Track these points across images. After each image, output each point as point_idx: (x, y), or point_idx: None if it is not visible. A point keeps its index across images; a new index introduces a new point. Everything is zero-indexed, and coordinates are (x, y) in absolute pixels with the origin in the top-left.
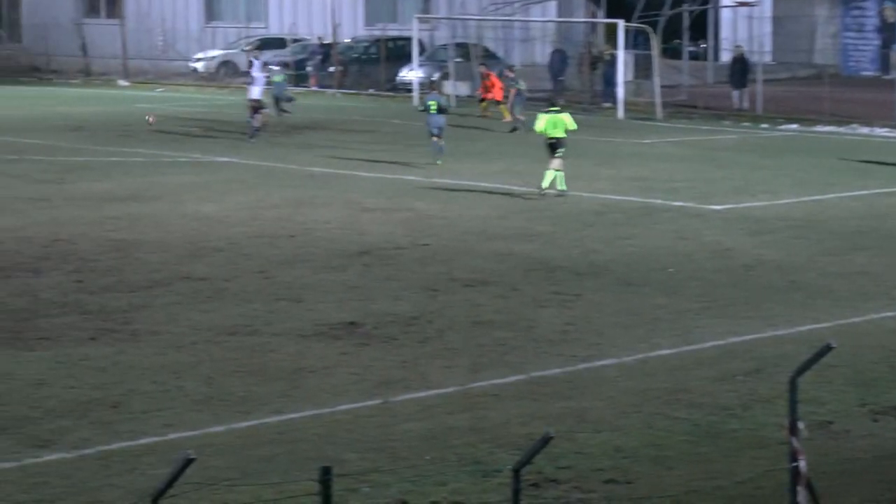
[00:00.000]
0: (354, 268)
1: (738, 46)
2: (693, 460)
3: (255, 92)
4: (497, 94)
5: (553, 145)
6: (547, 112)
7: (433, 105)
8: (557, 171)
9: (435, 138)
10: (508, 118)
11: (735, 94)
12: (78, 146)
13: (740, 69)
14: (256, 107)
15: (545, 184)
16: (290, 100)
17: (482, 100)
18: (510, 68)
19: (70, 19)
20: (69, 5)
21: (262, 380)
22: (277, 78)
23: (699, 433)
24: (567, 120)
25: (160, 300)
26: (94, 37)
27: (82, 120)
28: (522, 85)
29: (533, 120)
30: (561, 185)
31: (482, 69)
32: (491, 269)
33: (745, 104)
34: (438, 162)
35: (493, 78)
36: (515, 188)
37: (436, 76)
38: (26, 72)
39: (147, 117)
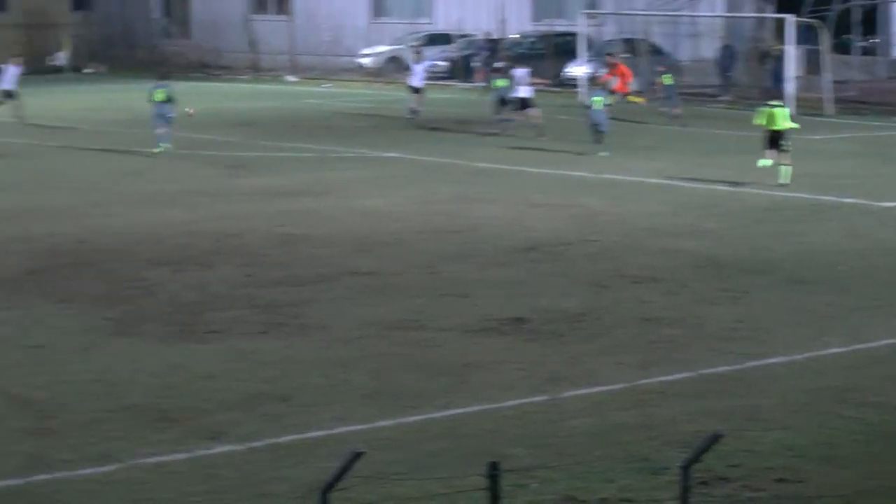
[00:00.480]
0: (521, 264)
1: None
2: (865, 460)
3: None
4: (622, 86)
5: (776, 139)
6: (771, 107)
7: (597, 101)
8: (786, 164)
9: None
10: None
11: None
12: (248, 141)
13: None
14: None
15: (782, 179)
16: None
17: (612, 92)
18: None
19: (239, 15)
20: (238, 1)
21: (428, 374)
22: (500, 83)
23: (871, 432)
24: (787, 115)
25: (327, 294)
26: (262, 33)
27: (252, 115)
28: (669, 80)
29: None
30: (786, 178)
31: (608, 58)
32: (659, 265)
33: None
34: (603, 154)
35: (622, 67)
36: (685, 184)
37: (600, 71)
38: (196, 68)
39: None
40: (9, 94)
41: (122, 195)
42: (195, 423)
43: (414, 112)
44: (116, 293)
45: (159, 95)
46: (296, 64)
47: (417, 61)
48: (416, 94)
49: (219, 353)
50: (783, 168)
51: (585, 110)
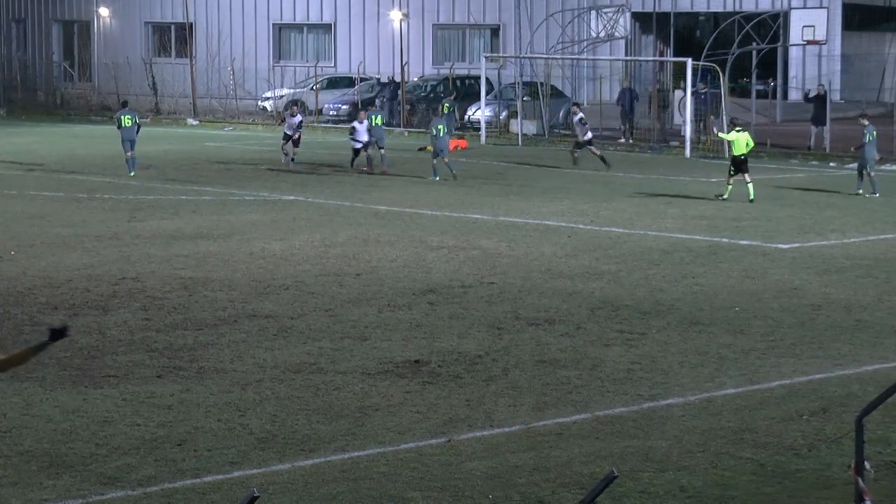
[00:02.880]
0: (420, 306)
1: (820, 85)
2: (759, 500)
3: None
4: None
5: (742, 163)
6: (738, 131)
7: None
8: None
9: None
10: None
11: (814, 131)
12: (147, 185)
13: (821, 108)
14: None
15: (752, 196)
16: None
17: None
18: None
19: (140, 58)
20: (140, 44)
21: (326, 418)
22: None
23: (765, 473)
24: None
25: (226, 338)
26: (164, 75)
27: (151, 158)
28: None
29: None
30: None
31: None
32: (556, 307)
33: (822, 143)
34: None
35: None
36: (582, 226)
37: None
38: (97, 110)
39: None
40: None
41: (21, 239)
42: (89, 469)
43: (287, 156)
44: (12, 337)
45: (127, 121)
46: (197, 107)
47: (294, 114)
48: (288, 142)
49: (115, 398)
50: (751, 186)
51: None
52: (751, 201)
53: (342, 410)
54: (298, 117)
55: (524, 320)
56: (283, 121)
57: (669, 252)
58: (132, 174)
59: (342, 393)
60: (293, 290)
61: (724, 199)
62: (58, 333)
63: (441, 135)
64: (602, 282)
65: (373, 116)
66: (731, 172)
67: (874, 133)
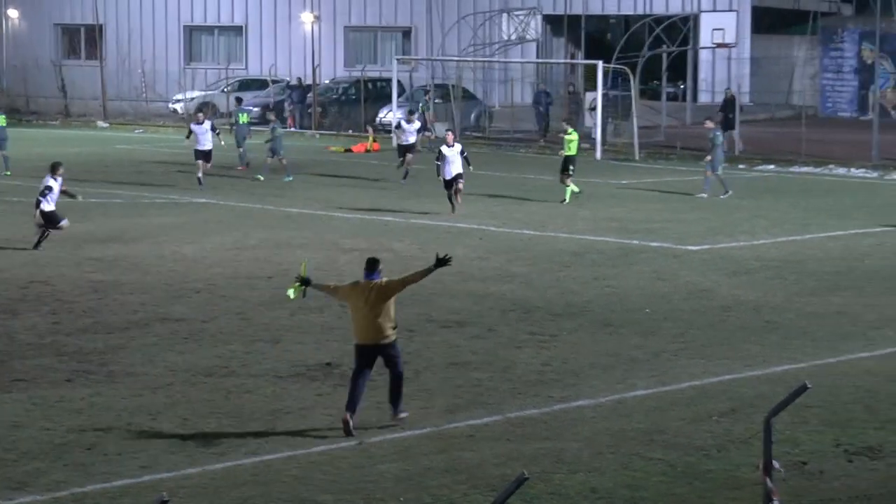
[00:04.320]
0: (332, 309)
1: (727, 89)
2: (669, 501)
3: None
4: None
5: (571, 163)
6: (569, 134)
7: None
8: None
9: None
10: None
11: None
12: None
13: (730, 111)
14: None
15: (568, 198)
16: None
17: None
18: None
19: (50, 60)
20: (49, 46)
21: (238, 421)
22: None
23: (675, 474)
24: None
25: (137, 341)
26: (74, 78)
27: (62, 161)
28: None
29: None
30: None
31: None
32: (468, 309)
33: (737, 147)
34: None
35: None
36: (493, 228)
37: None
38: (6, 113)
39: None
40: None
41: None
42: None
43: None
44: None
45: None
46: (107, 109)
47: (200, 121)
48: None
49: (24, 402)
50: (569, 189)
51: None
52: (563, 202)
53: (253, 414)
54: (207, 123)
55: (436, 323)
56: (190, 132)
57: (581, 254)
58: (8, 173)
59: (254, 396)
60: (205, 293)
61: (567, 201)
62: (442, 261)
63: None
64: (514, 284)
65: (239, 114)
66: (569, 172)
67: (720, 136)
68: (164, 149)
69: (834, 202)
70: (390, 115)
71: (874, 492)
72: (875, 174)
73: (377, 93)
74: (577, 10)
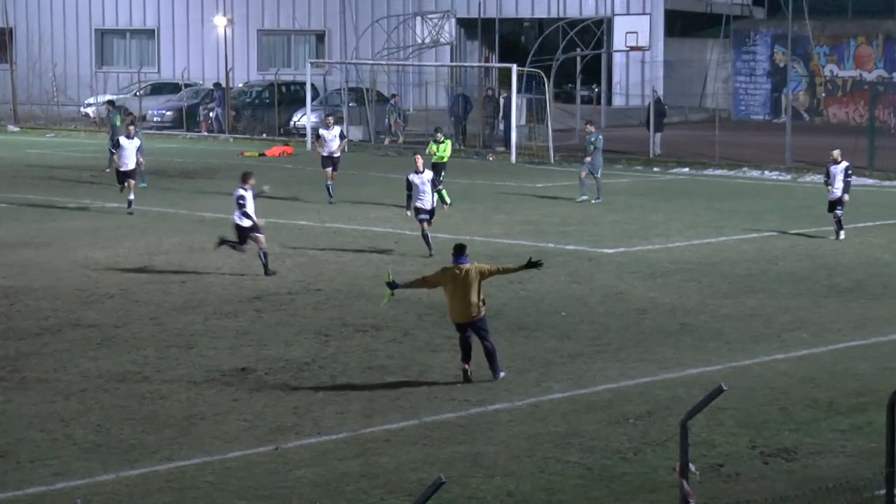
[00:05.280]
0: (247, 313)
1: (654, 92)
2: None
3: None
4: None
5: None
6: (440, 142)
7: None
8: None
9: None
10: None
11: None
12: None
13: (657, 114)
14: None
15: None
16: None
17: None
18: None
19: None
20: None
21: (152, 427)
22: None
23: (592, 477)
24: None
25: (49, 347)
26: None
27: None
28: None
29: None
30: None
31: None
32: (384, 313)
33: (652, 150)
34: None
35: None
36: (409, 232)
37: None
38: None
39: None
40: None
41: None
42: None
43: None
44: None
45: None
46: (18, 113)
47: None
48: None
49: None
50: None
51: None
52: (448, 204)
53: (168, 419)
54: (137, 139)
55: (351, 327)
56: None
57: (496, 257)
58: None
59: (168, 402)
60: (118, 298)
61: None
62: (534, 264)
63: None
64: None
65: (113, 116)
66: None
67: (601, 140)
68: (76, 153)
69: (748, 205)
70: (304, 118)
71: (790, 493)
72: (788, 177)
73: (291, 96)
74: (492, 13)
